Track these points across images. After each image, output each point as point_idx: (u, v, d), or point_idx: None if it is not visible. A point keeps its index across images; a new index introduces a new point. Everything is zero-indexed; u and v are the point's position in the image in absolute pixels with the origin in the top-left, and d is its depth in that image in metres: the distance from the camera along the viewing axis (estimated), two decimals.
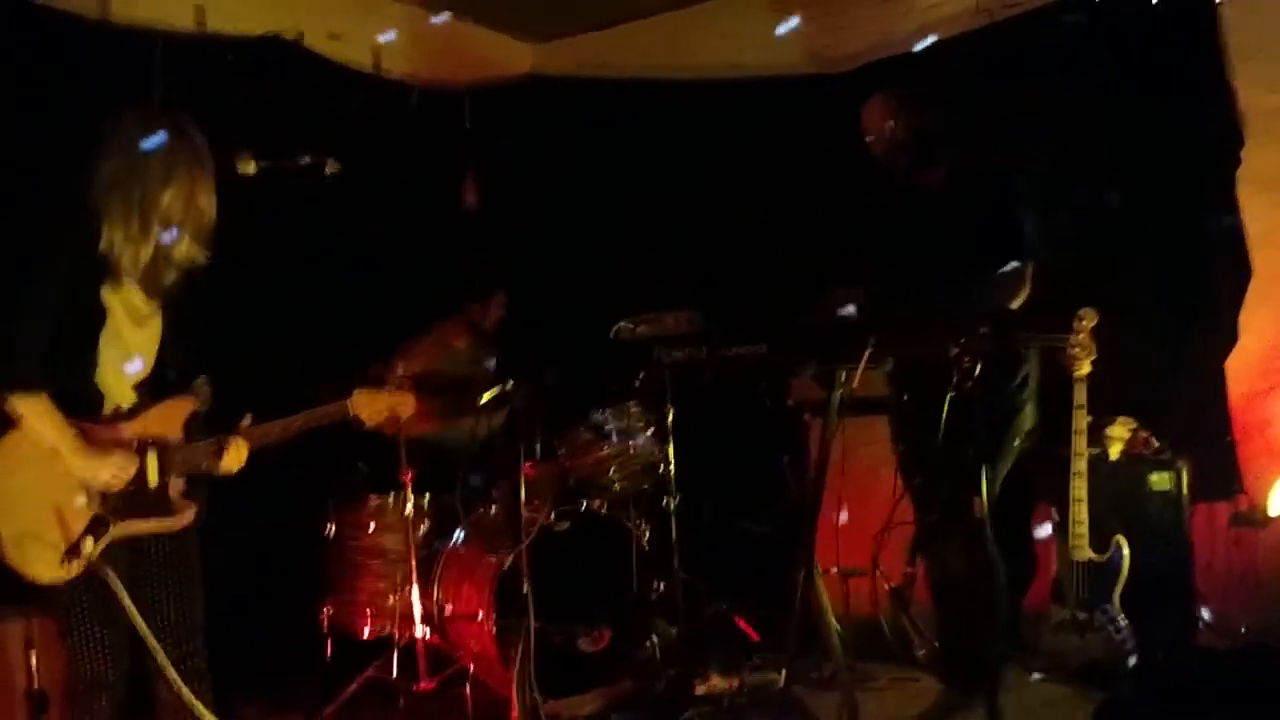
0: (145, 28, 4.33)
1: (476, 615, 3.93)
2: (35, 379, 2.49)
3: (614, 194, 5.44)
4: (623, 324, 4.31)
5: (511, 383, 3.24)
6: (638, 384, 4.50)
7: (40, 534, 2.51)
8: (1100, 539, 3.90)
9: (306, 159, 2.62)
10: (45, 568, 2.52)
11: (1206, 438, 4.38)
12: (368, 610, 4.27)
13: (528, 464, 4.25)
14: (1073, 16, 4.54)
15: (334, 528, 4.36)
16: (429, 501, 4.42)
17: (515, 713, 3.43)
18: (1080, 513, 3.90)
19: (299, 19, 4.88)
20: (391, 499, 4.32)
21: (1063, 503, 3.94)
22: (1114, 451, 4.29)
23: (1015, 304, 3.51)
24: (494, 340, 5.12)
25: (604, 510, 4.25)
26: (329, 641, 4.31)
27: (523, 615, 3.41)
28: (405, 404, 2.98)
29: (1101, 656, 3.85)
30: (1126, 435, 4.31)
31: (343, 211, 4.52)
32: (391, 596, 4.25)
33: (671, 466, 4.47)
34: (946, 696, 3.75)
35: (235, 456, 2.72)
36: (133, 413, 2.65)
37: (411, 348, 4.72)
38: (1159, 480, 4.17)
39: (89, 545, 2.45)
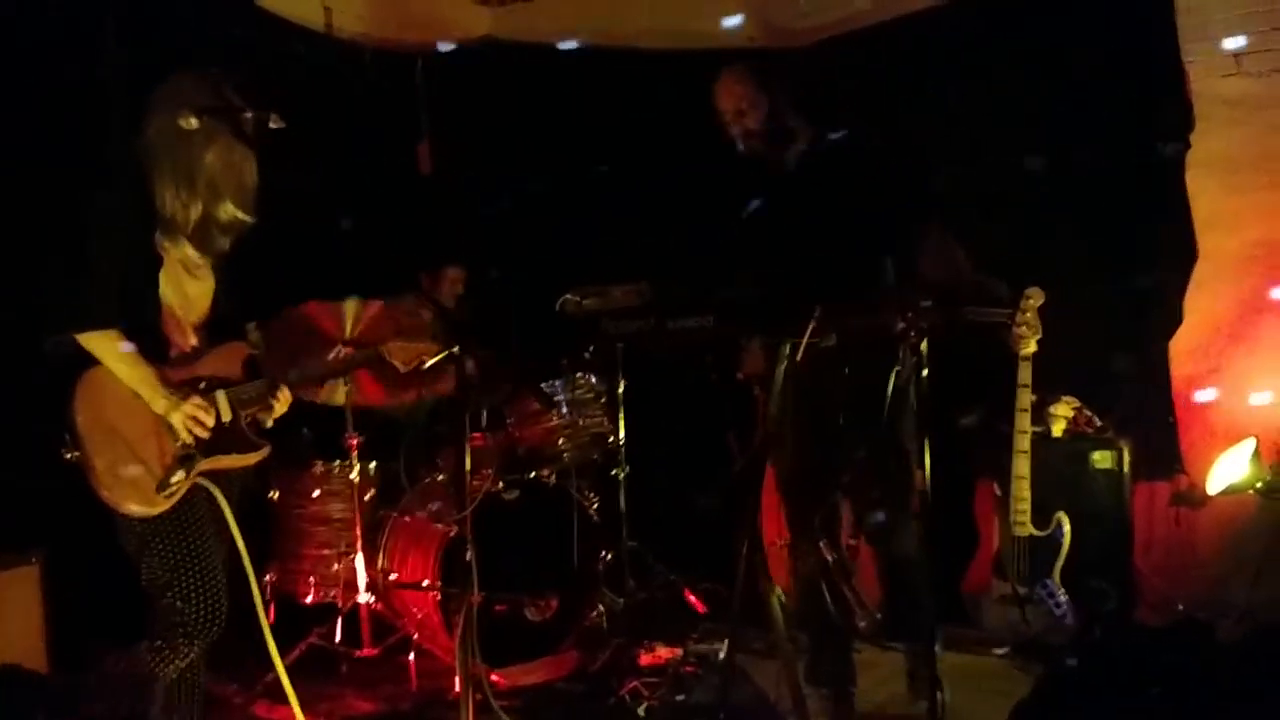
0: None
1: (422, 583, 3.91)
2: (107, 318, 2.58)
3: (566, 163, 5.39)
4: (569, 296, 4.27)
5: (459, 349, 3.20)
6: (588, 356, 4.48)
7: (133, 467, 2.59)
8: (1042, 516, 3.95)
9: (249, 114, 2.61)
10: (139, 501, 2.60)
11: (1149, 418, 4.44)
12: (311, 577, 4.25)
13: (476, 433, 4.24)
14: None
15: (277, 493, 4.32)
16: (375, 468, 4.39)
17: (458, 681, 3.41)
18: (1023, 490, 3.95)
19: None
20: (337, 465, 4.28)
21: (1005, 479, 3.99)
22: (1057, 430, 4.34)
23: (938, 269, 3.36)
24: (454, 315, 5.07)
25: (552, 480, 4.24)
26: (271, 607, 4.29)
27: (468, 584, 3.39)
28: (430, 351, 3.16)
29: (1041, 630, 3.92)
30: (1070, 414, 4.36)
31: (289, 172, 4.43)
32: (335, 563, 4.22)
33: (621, 438, 4.47)
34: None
35: (285, 399, 2.86)
36: (198, 354, 2.77)
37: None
38: (1101, 459, 4.22)
39: (179, 478, 2.61)
